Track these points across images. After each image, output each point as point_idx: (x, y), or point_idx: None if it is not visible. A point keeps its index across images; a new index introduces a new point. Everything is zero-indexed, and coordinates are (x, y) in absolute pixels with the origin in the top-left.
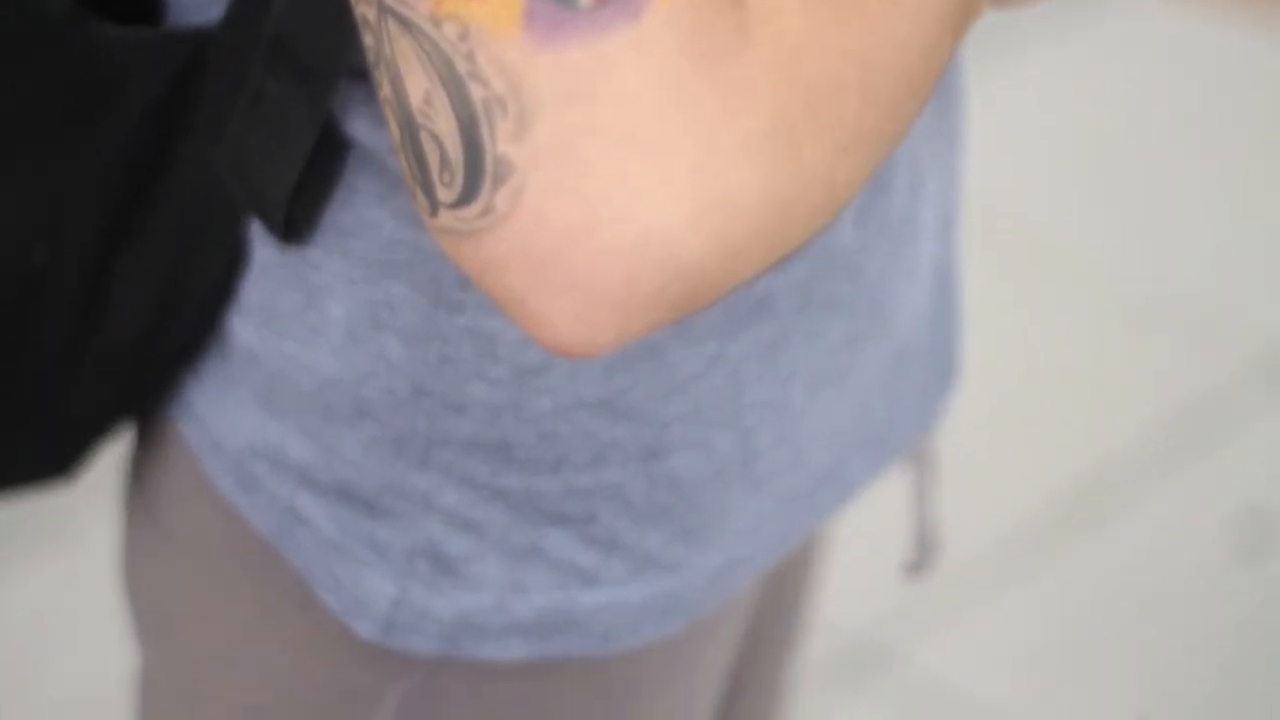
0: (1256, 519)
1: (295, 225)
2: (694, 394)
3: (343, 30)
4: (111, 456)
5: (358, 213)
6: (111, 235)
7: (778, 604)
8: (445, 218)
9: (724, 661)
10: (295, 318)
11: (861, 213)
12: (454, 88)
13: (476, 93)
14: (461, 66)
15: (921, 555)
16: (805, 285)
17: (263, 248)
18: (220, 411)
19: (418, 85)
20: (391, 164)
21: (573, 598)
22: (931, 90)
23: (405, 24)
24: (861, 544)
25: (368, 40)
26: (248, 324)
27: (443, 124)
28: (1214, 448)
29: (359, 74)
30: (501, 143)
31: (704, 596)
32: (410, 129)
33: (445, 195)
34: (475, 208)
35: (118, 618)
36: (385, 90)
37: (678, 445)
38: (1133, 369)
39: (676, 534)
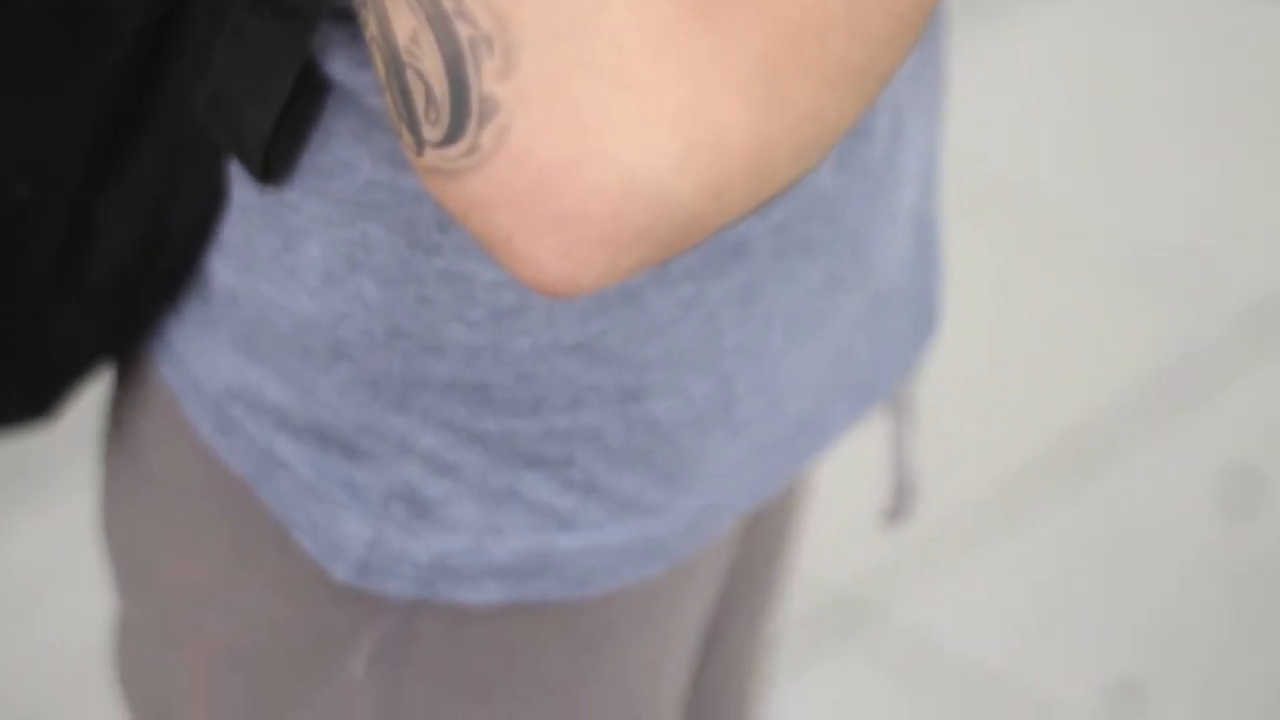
0: (1244, 475)
1: (273, 166)
2: (671, 338)
3: None
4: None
5: (335, 154)
6: (95, 171)
7: (757, 554)
8: (431, 156)
9: (702, 610)
10: (273, 259)
11: (842, 157)
12: (440, 26)
13: (463, 31)
14: (448, 4)
15: (900, 503)
16: (783, 229)
17: (242, 189)
18: (199, 353)
19: (404, 24)
20: (370, 104)
21: (550, 541)
22: (920, 30)
23: None
24: (844, 500)
25: None
26: (227, 265)
27: (429, 62)
28: (1201, 404)
29: (340, 14)
30: (487, 81)
31: (682, 541)
32: (396, 67)
33: (431, 134)
34: (461, 146)
35: (102, 571)
36: (372, 29)
37: (655, 389)
38: (1118, 325)
39: (655, 478)
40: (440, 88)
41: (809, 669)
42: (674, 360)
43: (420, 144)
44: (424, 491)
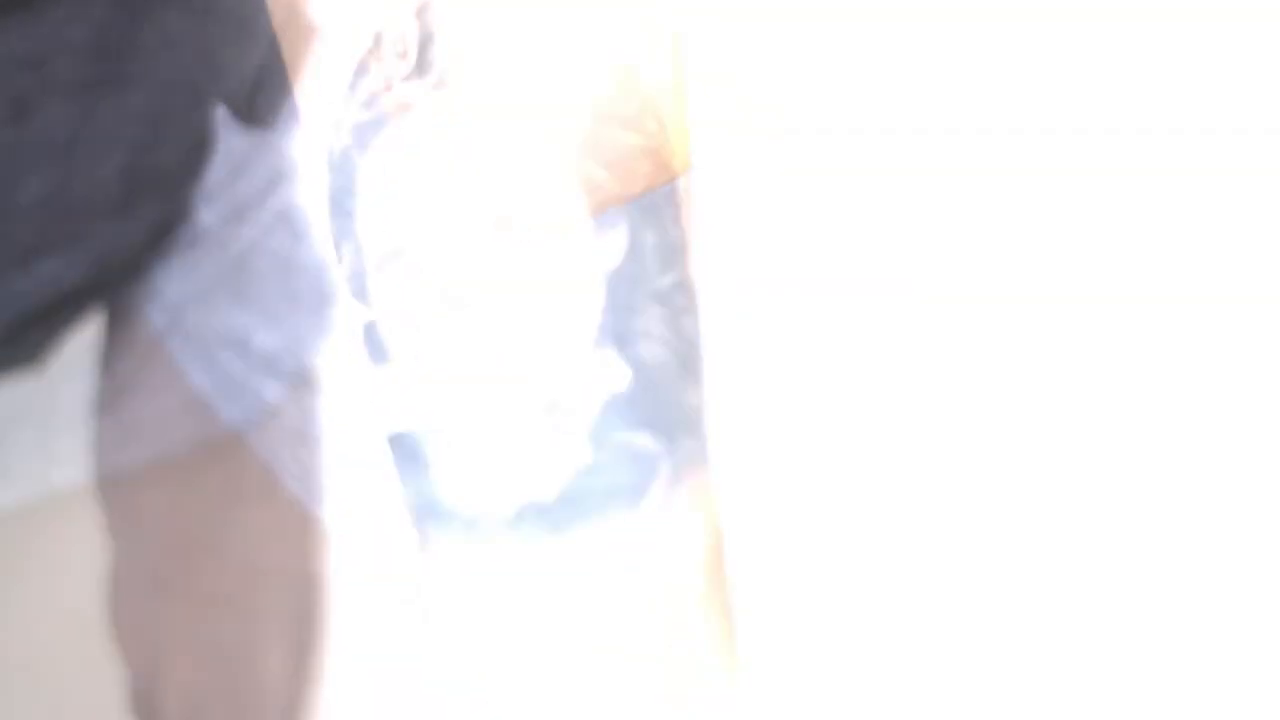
0: None
1: (258, 109)
2: (657, 281)
3: None
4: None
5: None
6: (78, 115)
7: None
8: (399, 90)
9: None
10: (259, 202)
11: None
12: None
13: None
14: None
15: None
16: None
17: (228, 132)
18: (188, 298)
19: None
20: None
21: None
22: None
23: None
24: None
25: None
26: (213, 209)
27: None
28: None
29: None
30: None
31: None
32: None
33: (399, 68)
34: (429, 80)
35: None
36: None
37: (643, 334)
38: None
39: (637, 419)
40: (410, 23)
41: None
42: (660, 303)
43: (388, 79)
44: (414, 435)
